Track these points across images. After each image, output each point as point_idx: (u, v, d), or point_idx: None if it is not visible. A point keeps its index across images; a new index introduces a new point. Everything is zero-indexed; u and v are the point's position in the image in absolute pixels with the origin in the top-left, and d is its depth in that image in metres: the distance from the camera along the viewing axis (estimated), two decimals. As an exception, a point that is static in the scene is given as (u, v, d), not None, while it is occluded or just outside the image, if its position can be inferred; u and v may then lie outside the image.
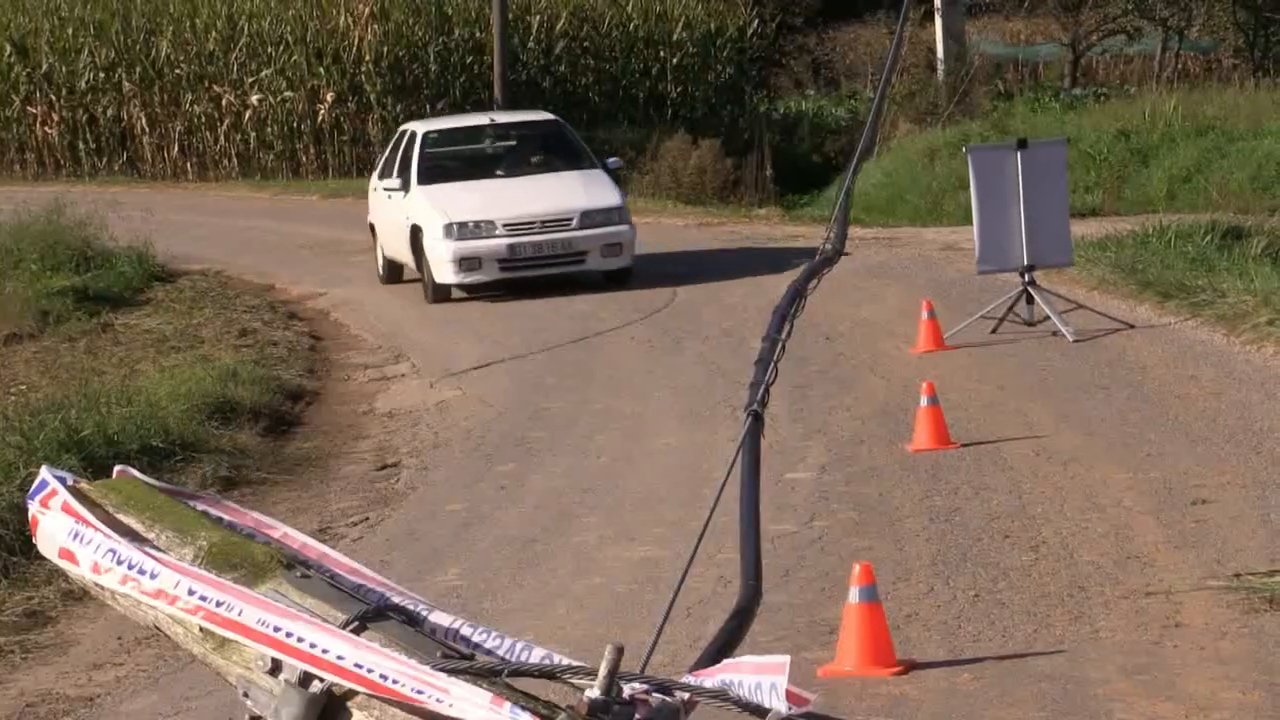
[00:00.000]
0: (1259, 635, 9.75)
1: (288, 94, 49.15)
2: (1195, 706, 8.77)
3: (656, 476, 14.84)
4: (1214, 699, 8.87)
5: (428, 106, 48.07)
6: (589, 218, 20.86)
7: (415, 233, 22.03)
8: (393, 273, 25.43)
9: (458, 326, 23.10)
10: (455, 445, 16.82)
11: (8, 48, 52.01)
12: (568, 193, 21.61)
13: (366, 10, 49.66)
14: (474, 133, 25.13)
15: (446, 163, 23.95)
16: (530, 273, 20.68)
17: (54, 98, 51.31)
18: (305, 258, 30.64)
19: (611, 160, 24.48)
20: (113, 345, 22.81)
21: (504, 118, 26.13)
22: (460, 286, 22.29)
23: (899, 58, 36.21)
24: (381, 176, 25.10)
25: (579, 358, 20.16)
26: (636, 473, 15.09)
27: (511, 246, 20.64)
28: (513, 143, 24.62)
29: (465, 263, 20.54)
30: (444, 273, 21.53)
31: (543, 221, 20.96)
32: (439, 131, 25.09)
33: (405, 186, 22.64)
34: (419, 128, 25.32)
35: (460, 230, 20.63)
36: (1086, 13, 58.40)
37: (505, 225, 20.79)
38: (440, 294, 22.47)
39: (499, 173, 23.73)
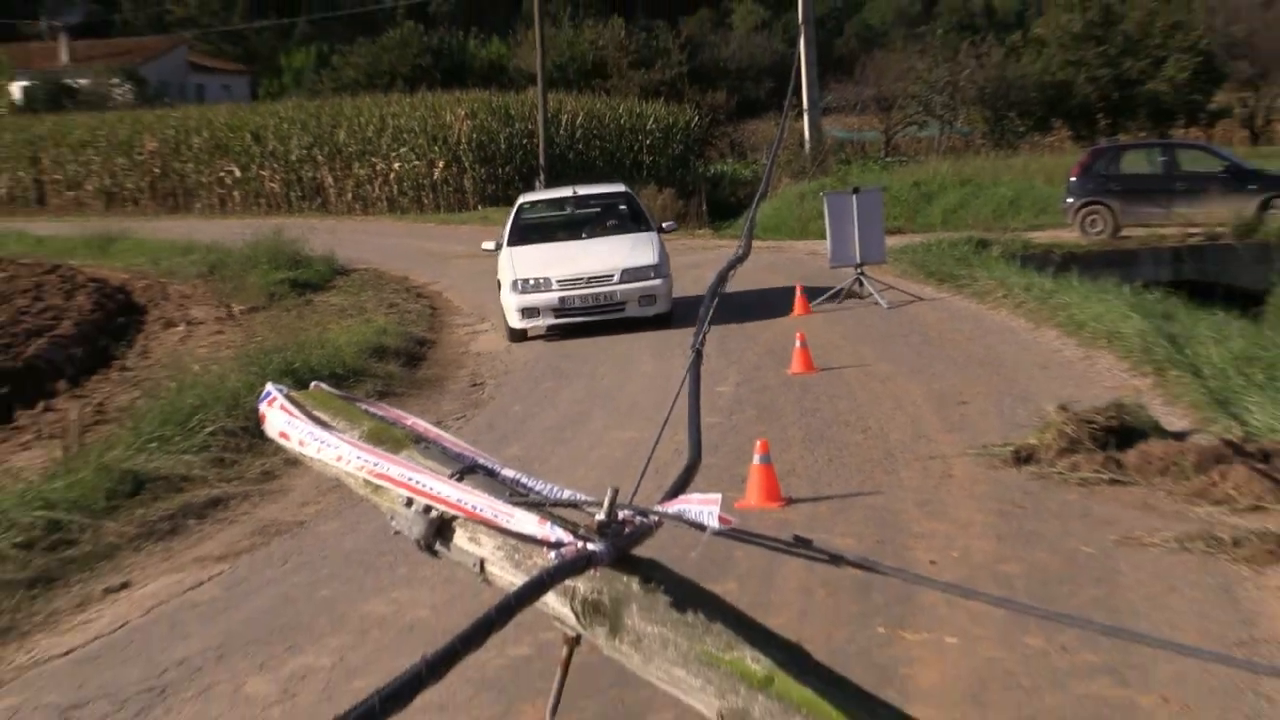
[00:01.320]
0: (996, 482, 9.80)
1: (415, 163, 49.23)
2: (959, 524, 8.82)
3: (638, 390, 14.77)
4: (970, 519, 8.91)
5: (500, 169, 48.25)
6: (628, 274, 17.72)
7: (499, 285, 19.09)
8: None
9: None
10: (517, 372, 16.73)
11: (248, 135, 52.17)
12: (614, 254, 18.12)
13: (463, 113, 49.89)
14: (560, 202, 21.24)
15: (535, 227, 20.25)
16: (579, 319, 17.55)
17: (275, 166, 51.57)
18: (425, 261, 30.52)
19: (667, 224, 20.94)
20: (312, 313, 22.78)
21: (585, 190, 21.75)
22: (526, 330, 18.85)
23: (782, 140, 36.06)
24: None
25: (590, 321, 20.00)
26: (626, 388, 15.03)
27: (561, 299, 17.47)
28: (591, 210, 20.97)
29: (526, 311, 17.63)
30: (513, 319, 18.48)
31: (589, 278, 17.77)
32: (532, 201, 21.39)
33: (499, 247, 19.53)
34: (523, 198, 21.90)
35: (523, 285, 17.69)
36: (895, 112, 58.79)
37: (558, 281, 17.87)
38: (516, 337, 18.96)
39: (582, 234, 20.15)
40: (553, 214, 20.76)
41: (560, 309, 17.20)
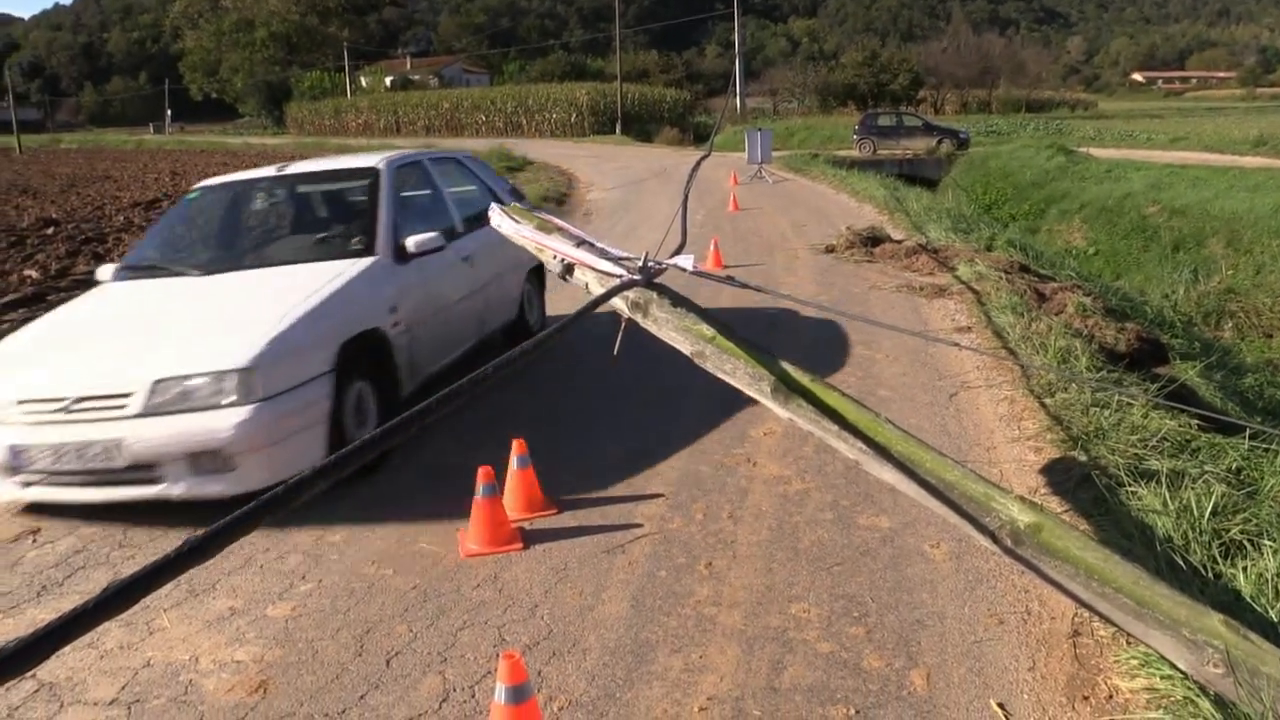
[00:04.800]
0: (818, 260, 9.43)
1: (562, 114, 46.40)
2: (800, 277, 8.52)
3: (662, 213, 14.25)
4: (806, 275, 8.60)
5: (600, 118, 45.49)
6: (161, 391, 2.77)
7: None
8: None
9: (608, 172, 22.10)
10: (606, 206, 16.06)
11: (489, 101, 49.34)
12: (178, 337, 3.03)
13: (584, 92, 46.98)
14: (243, 195, 4.51)
15: (191, 234, 4.34)
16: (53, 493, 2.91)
17: (500, 114, 48.46)
18: (565, 159, 28.99)
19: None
20: (515, 178, 21.94)
21: (302, 167, 4.72)
22: None
23: (726, 108, 34.40)
24: None
25: (638, 186, 19.13)
26: (657, 212, 14.53)
27: (14, 449, 2.80)
28: (297, 206, 4.62)
29: None
30: None
31: (77, 399, 2.87)
32: (203, 189, 4.48)
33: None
34: (199, 184, 4.63)
35: None
36: (778, 95, 57.04)
37: (20, 403, 2.84)
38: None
39: (245, 261, 3.96)
40: (227, 214, 4.31)
41: (13, 466, 2.62)
